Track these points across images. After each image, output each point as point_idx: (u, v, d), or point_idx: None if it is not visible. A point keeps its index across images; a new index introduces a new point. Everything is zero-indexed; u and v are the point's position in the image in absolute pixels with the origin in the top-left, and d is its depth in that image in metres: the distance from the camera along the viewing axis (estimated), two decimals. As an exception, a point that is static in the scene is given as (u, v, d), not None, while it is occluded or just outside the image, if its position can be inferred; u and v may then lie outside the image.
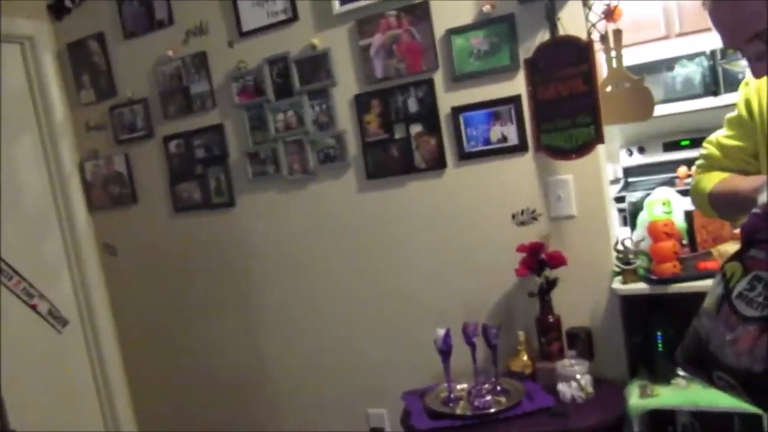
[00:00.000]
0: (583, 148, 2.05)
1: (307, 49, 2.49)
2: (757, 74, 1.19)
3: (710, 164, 1.49)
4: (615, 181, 4.23)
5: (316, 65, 2.49)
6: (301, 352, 2.76)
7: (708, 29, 3.82)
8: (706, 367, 1.12)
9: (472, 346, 2.15)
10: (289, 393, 2.82)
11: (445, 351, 2.13)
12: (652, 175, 4.10)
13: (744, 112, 1.39)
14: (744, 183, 1.29)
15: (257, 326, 2.85)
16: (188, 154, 2.84)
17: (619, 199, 3.00)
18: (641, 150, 4.14)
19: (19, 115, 2.93)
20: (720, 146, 1.47)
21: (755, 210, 1.09)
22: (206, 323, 2.96)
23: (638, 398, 1.98)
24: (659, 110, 3.78)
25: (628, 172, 4.19)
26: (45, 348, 2.94)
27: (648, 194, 2.20)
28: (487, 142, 2.27)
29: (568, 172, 2.16)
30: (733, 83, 3.57)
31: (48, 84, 2.99)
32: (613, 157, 4.27)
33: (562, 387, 2.04)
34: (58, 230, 3.07)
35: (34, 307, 2.92)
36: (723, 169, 1.45)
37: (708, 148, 1.50)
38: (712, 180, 1.43)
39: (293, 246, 2.69)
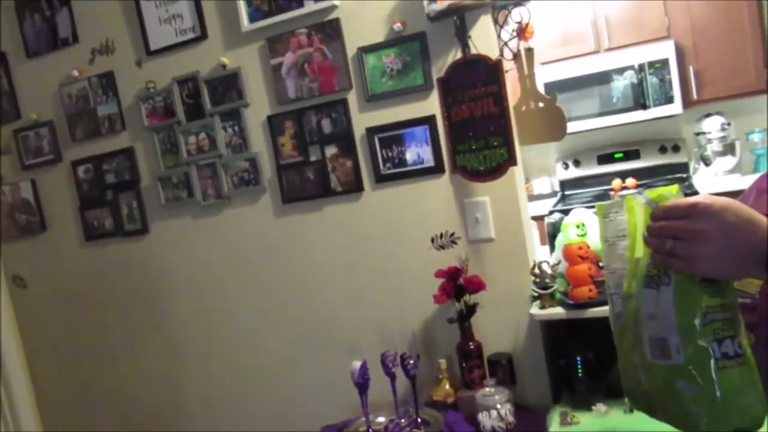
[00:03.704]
0: (497, 169, 1.99)
1: (217, 68, 2.38)
2: None
3: None
4: (552, 195, 4.23)
5: (227, 85, 2.38)
6: (218, 385, 2.63)
7: (635, 43, 3.86)
8: None
9: (392, 377, 2.06)
10: (207, 427, 2.68)
11: (362, 384, 2.03)
12: (587, 188, 4.11)
13: None
14: None
15: (173, 359, 2.71)
16: (98, 180, 2.69)
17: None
18: (576, 163, 4.15)
19: None
20: None
21: None
22: (121, 357, 2.80)
23: (559, 426, 1.91)
24: (593, 124, 3.82)
25: (565, 184, 4.19)
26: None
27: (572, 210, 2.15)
28: (404, 163, 2.19)
29: (485, 194, 2.09)
30: (659, 97, 3.60)
31: (-54, 107, 2.81)
32: (549, 170, 4.28)
33: (482, 417, 1.96)
34: (-38, 263, 2.87)
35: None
36: None
37: None
38: None
39: (209, 273, 2.56)
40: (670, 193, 0.83)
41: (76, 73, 2.60)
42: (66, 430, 2.97)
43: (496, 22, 2.04)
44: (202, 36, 2.39)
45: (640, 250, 0.85)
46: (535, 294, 2.01)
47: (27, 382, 2.99)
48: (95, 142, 2.66)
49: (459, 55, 2.04)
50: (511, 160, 1.97)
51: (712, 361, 0.78)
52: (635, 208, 0.86)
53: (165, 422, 2.75)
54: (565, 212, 2.24)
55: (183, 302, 2.64)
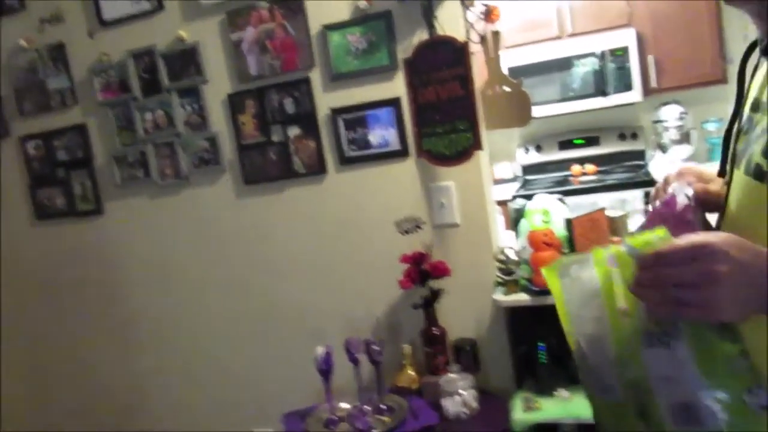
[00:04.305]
0: (463, 154, 1.97)
1: (175, 42, 2.29)
2: None
3: None
4: (513, 179, 4.25)
5: (186, 60, 2.29)
6: (178, 370, 2.56)
7: (598, 30, 3.85)
8: None
9: (356, 363, 2.03)
10: (169, 414, 2.62)
11: (326, 370, 2.00)
12: (548, 173, 4.14)
13: None
14: None
15: (130, 342, 2.63)
16: (49, 157, 2.57)
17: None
18: (538, 148, 4.17)
19: None
20: None
21: None
22: (76, 340, 2.71)
23: (522, 412, 1.92)
24: (555, 109, 3.83)
25: (526, 169, 4.21)
26: None
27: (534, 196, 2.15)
28: (368, 146, 2.15)
29: (450, 179, 2.07)
30: (619, 85, 3.64)
31: None
32: (511, 155, 4.29)
33: (445, 403, 1.96)
34: None
35: None
36: None
37: None
38: None
39: (167, 256, 2.48)
40: (658, 238, 0.72)
41: (24, 43, 2.47)
42: (19, 416, 2.86)
43: (462, 3, 2.00)
44: (159, 7, 2.29)
45: (624, 306, 0.75)
46: (500, 280, 2.01)
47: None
48: (45, 117, 2.54)
49: (425, 36, 2.00)
50: (477, 145, 1.95)
51: (754, 417, 0.67)
52: (605, 260, 0.76)
53: (123, 407, 2.68)
54: (528, 197, 2.24)
55: (139, 285, 2.56)
